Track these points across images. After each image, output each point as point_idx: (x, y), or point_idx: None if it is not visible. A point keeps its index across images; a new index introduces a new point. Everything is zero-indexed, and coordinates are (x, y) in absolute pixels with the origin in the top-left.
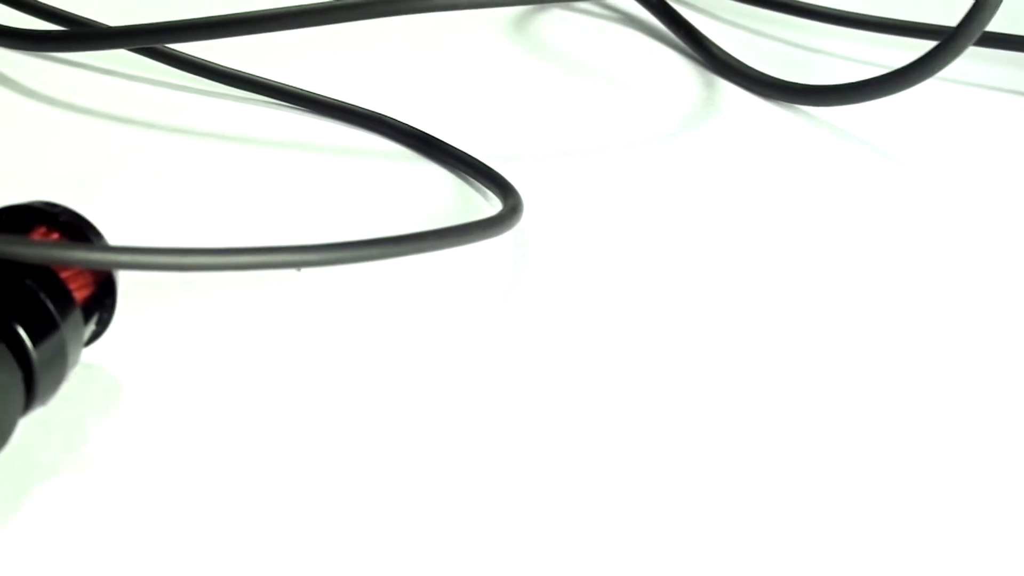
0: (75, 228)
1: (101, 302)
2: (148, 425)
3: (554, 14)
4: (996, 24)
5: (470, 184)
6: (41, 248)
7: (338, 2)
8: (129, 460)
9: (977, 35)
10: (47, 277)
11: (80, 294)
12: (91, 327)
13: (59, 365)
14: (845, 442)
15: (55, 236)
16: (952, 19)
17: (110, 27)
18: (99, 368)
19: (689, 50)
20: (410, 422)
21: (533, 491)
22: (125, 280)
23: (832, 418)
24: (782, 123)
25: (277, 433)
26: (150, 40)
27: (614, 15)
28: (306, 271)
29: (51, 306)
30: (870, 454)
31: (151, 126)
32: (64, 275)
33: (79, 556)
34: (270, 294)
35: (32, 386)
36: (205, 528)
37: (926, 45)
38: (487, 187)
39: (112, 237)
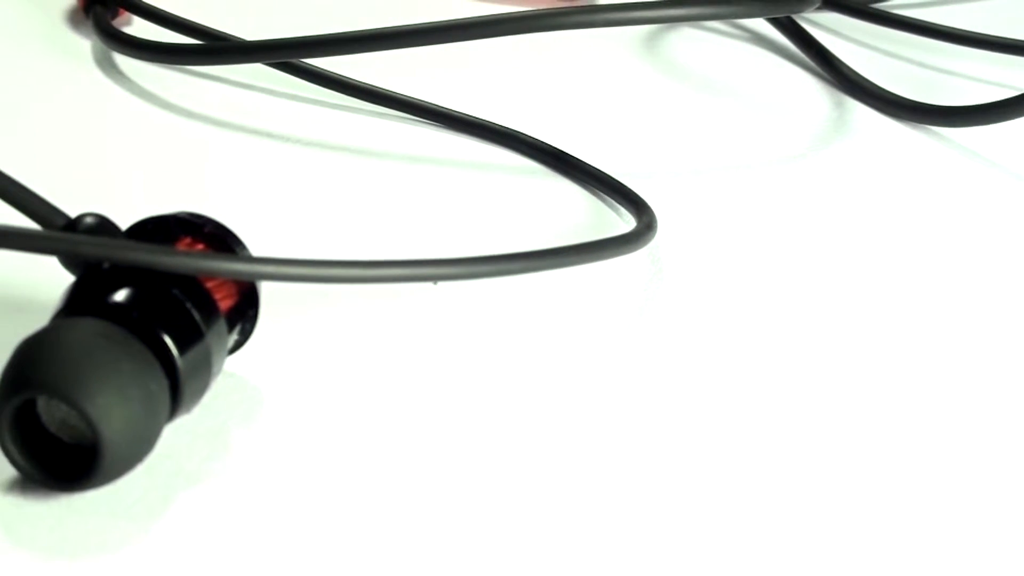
0: (219, 239)
1: (244, 312)
2: (288, 434)
3: (684, 33)
4: None
5: (603, 200)
6: (188, 259)
7: (474, 19)
8: (270, 468)
9: None
10: (193, 287)
11: (224, 304)
12: (234, 337)
13: (203, 374)
14: (996, 469)
15: (200, 247)
16: None
17: (248, 42)
18: (241, 378)
19: (819, 70)
20: (546, 436)
21: (668, 506)
22: (265, 291)
23: (973, 438)
24: (913, 144)
25: (413, 443)
26: (287, 55)
27: (744, 34)
28: (442, 284)
29: (197, 316)
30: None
31: (288, 140)
32: (209, 285)
33: (221, 562)
34: (406, 307)
35: (177, 394)
36: (344, 535)
37: None
38: (620, 203)
39: (251, 249)
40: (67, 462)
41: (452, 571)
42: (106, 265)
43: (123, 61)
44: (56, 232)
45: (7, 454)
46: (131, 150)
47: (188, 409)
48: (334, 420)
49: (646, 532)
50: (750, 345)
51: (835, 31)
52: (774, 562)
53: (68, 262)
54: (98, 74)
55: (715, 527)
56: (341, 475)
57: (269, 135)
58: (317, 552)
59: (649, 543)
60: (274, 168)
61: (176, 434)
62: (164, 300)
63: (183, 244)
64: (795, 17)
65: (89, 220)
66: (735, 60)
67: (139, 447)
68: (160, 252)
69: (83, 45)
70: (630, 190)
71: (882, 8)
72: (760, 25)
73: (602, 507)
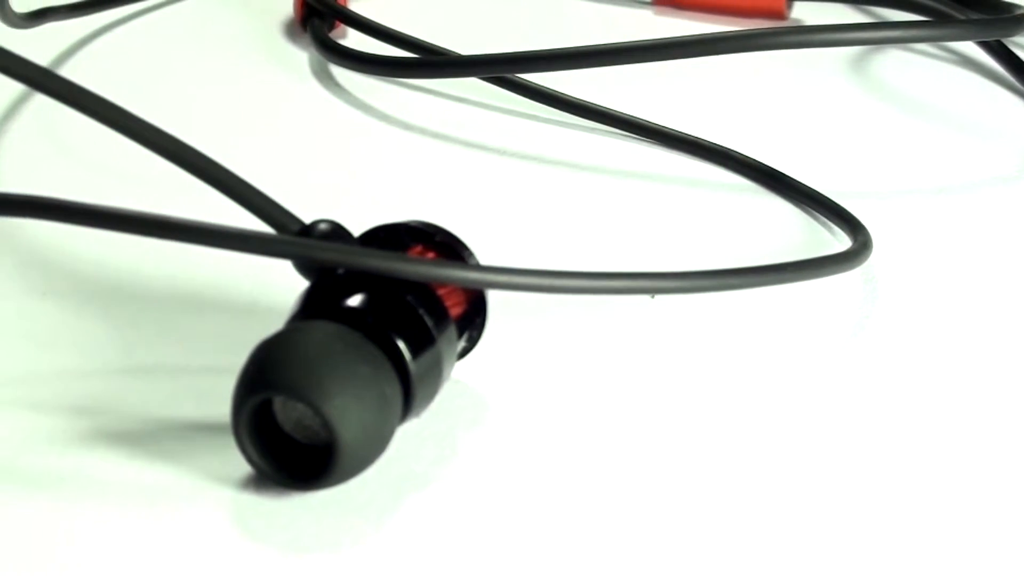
0: (450, 248)
1: (472, 320)
2: (513, 440)
3: (891, 54)
4: None
5: (814, 219)
6: (422, 266)
7: (691, 38)
8: (495, 473)
9: None
10: (425, 294)
11: (454, 311)
12: (462, 343)
13: (434, 379)
14: None
15: (431, 255)
16: None
17: (464, 56)
18: (467, 384)
19: None
20: (761, 454)
21: (886, 526)
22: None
23: None
24: None
25: (631, 452)
26: (502, 69)
27: (952, 57)
28: (659, 298)
29: (429, 322)
30: None
31: (503, 153)
32: (440, 292)
33: (449, 563)
34: (620, 319)
35: (409, 398)
36: (567, 540)
37: None
38: (834, 222)
39: None
40: (301, 462)
41: None
42: (340, 270)
43: (340, 73)
44: (293, 237)
45: (244, 453)
46: (349, 160)
47: (418, 413)
48: (556, 427)
49: (872, 555)
50: (966, 365)
51: None
52: None
53: (302, 267)
54: (316, 86)
55: (943, 548)
56: (563, 481)
57: (484, 148)
58: (541, 556)
59: (878, 566)
60: (489, 180)
61: (405, 437)
62: (398, 306)
63: (414, 252)
64: (1005, 41)
65: (323, 226)
66: (944, 82)
67: (372, 449)
68: (395, 259)
69: (300, 57)
70: (844, 209)
71: None
72: (968, 48)
73: (816, 528)
